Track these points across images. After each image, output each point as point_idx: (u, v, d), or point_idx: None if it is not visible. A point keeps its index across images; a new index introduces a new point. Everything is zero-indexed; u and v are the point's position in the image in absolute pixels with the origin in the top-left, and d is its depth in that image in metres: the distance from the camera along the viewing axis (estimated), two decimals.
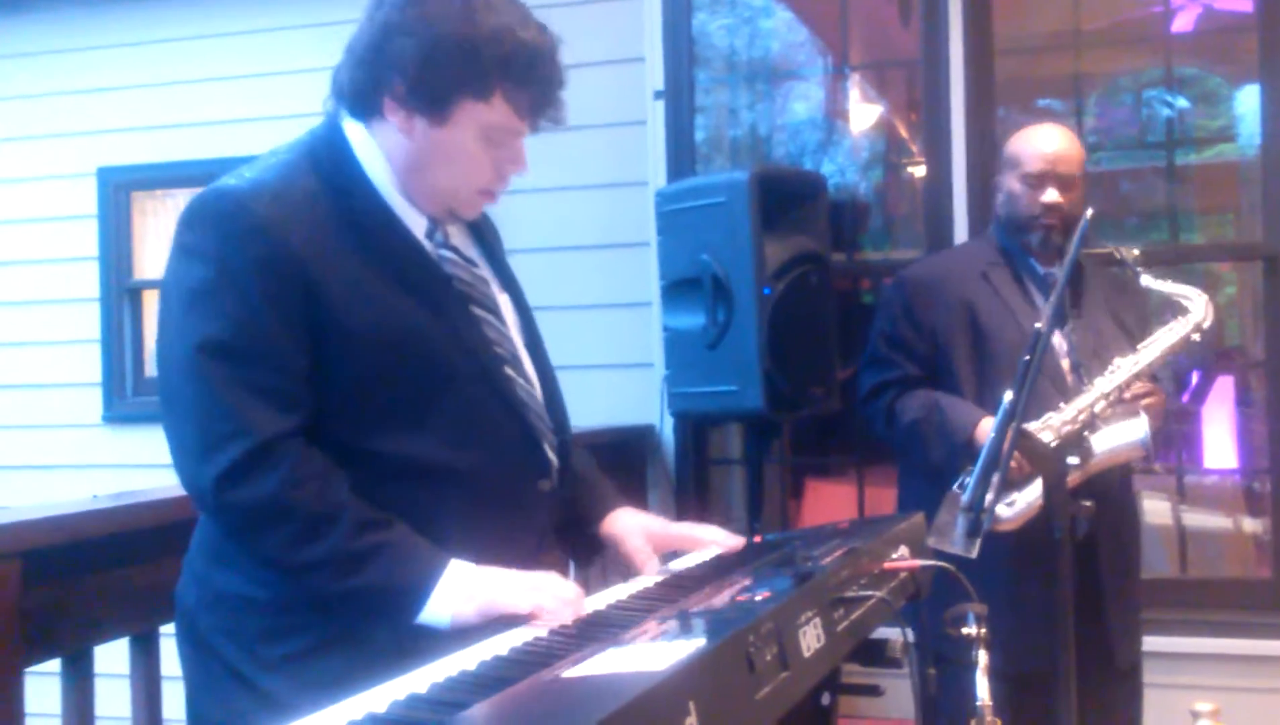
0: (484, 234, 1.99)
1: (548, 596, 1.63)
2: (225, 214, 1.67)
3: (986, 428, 2.83)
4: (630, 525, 2.01)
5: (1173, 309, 2.94)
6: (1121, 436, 2.82)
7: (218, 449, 1.61)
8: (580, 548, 2.07)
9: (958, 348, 3.06)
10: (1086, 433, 2.82)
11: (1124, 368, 2.86)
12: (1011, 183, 3.08)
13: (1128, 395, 2.85)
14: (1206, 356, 6.56)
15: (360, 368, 1.69)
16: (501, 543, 1.79)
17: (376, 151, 1.79)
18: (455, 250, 1.86)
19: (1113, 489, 3.00)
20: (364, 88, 1.77)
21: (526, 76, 1.74)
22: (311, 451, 1.65)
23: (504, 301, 1.93)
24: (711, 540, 2.02)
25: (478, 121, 1.74)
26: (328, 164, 1.77)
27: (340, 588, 1.62)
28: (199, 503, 1.70)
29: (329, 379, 1.68)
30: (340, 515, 1.63)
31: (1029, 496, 2.76)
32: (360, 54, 1.76)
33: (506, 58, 1.71)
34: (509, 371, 1.83)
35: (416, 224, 1.81)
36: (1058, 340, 2.99)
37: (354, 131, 1.81)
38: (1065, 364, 2.98)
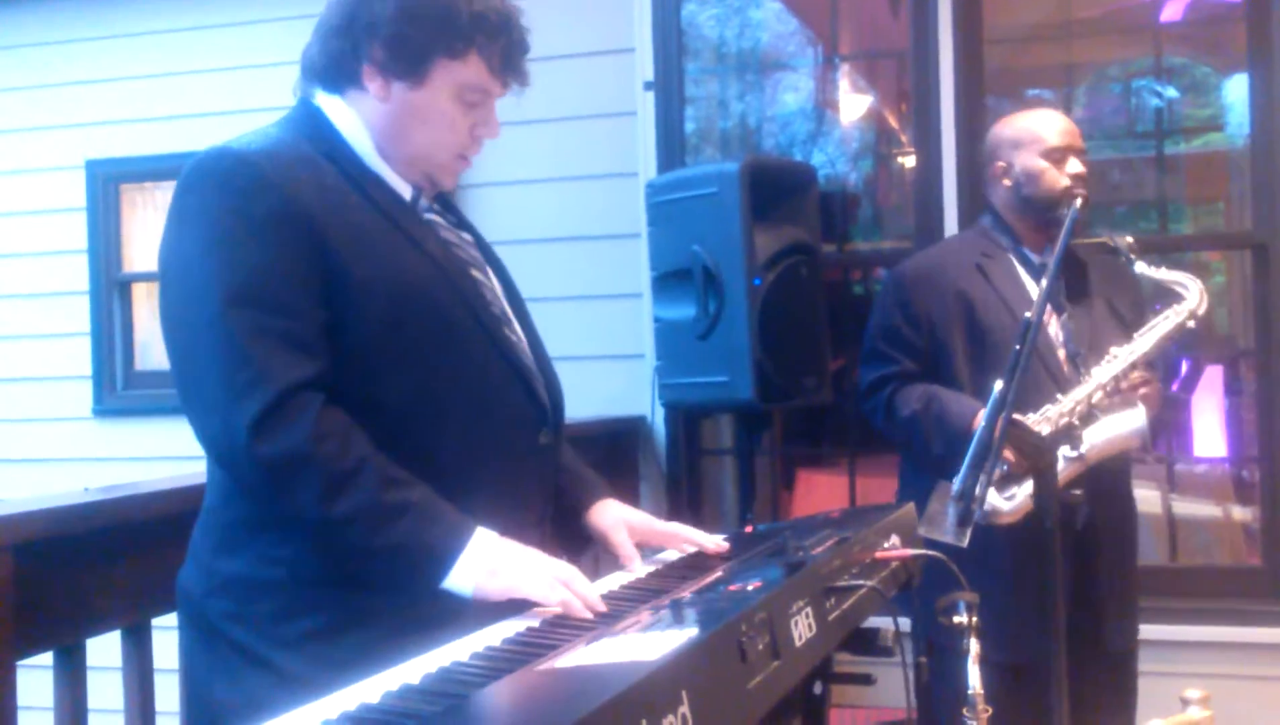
0: (455, 210, 2.03)
1: (572, 593, 1.62)
2: (230, 171, 1.69)
3: None
4: (615, 519, 2.02)
5: (1166, 296, 2.93)
6: (1119, 426, 2.80)
7: (242, 399, 1.60)
8: (570, 539, 2.08)
9: (954, 341, 3.04)
10: (1079, 424, 2.81)
11: (1121, 357, 2.85)
12: (1031, 161, 3.05)
13: (1124, 385, 2.83)
14: (1196, 345, 6.58)
15: (370, 320, 1.70)
16: (511, 496, 1.82)
17: (356, 121, 1.83)
18: (442, 214, 1.91)
19: (1115, 480, 3.01)
20: (340, 57, 1.81)
21: (499, 34, 1.79)
22: (332, 406, 1.65)
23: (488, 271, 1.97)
24: (692, 539, 2.01)
25: (453, 80, 1.79)
26: (312, 136, 1.80)
27: (368, 545, 1.62)
28: (229, 458, 1.66)
29: (340, 332, 1.69)
30: (364, 469, 1.62)
31: (1028, 490, 2.76)
32: (335, 25, 1.81)
33: (481, 15, 1.77)
34: (505, 331, 1.86)
35: (403, 190, 1.85)
36: (1054, 330, 2.99)
37: (330, 105, 1.84)
38: (1061, 354, 2.97)
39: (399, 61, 1.77)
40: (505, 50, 1.81)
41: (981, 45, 4.15)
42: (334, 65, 1.82)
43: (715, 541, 2.01)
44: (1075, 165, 3.01)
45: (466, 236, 1.95)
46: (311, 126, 1.82)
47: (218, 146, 1.72)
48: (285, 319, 1.64)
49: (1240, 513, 4.93)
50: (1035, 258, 3.08)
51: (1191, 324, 2.88)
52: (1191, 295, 2.88)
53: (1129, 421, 2.80)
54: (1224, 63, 5.92)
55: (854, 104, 5.76)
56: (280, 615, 1.68)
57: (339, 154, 1.79)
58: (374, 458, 1.64)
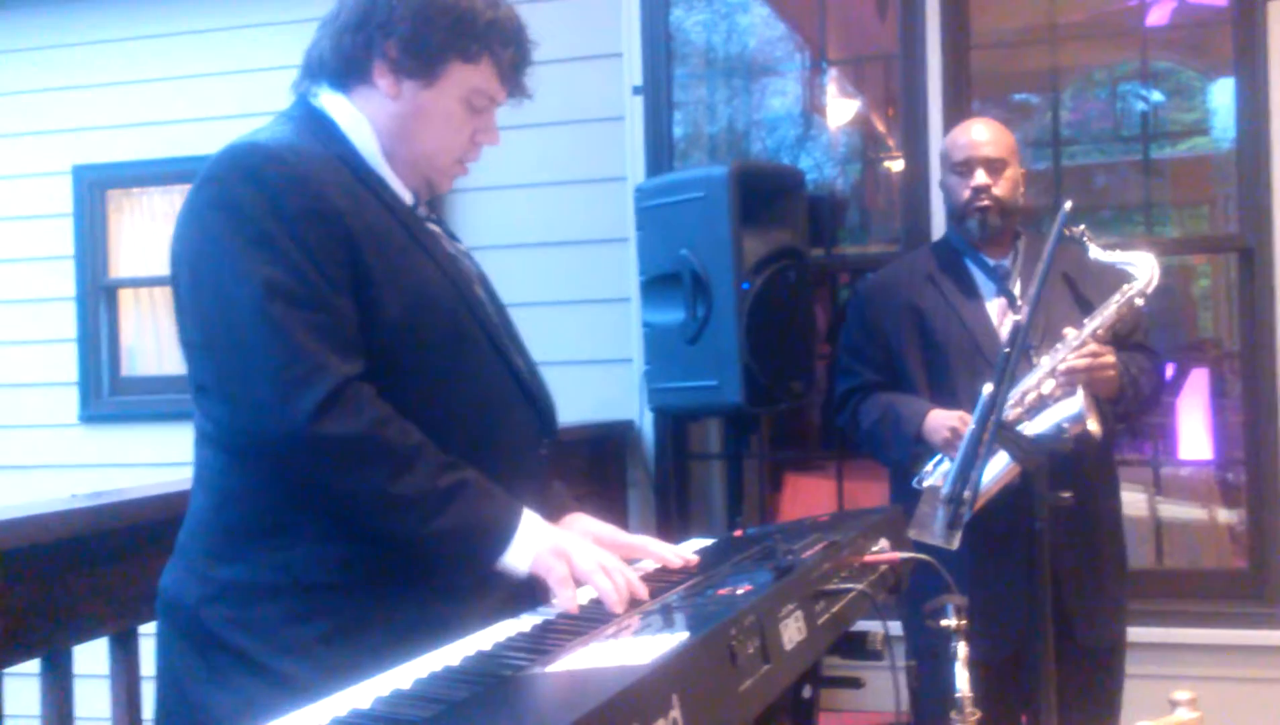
0: (443, 222, 2.02)
1: (618, 576, 1.67)
2: (262, 165, 1.67)
3: (934, 419, 2.93)
4: (581, 533, 1.95)
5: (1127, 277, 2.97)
6: (1057, 415, 2.80)
7: (302, 387, 1.59)
8: None
9: (909, 351, 3.16)
10: (1024, 419, 2.82)
11: (1068, 340, 2.89)
12: (947, 178, 3.22)
13: (1063, 366, 2.85)
14: (1181, 348, 6.61)
15: (388, 324, 1.69)
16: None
17: (362, 121, 1.81)
18: (440, 223, 1.91)
19: (1086, 474, 2.98)
20: (353, 54, 1.80)
21: (511, 42, 1.82)
22: (382, 399, 1.66)
23: None
24: (658, 553, 1.93)
25: (464, 84, 1.80)
26: (321, 137, 1.78)
27: (430, 524, 1.64)
28: (281, 442, 1.61)
29: (360, 332, 1.69)
30: (424, 452, 1.65)
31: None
32: (349, 21, 1.80)
33: (497, 22, 1.80)
34: (507, 343, 1.87)
35: (404, 196, 1.84)
36: (1006, 327, 2.99)
37: (334, 105, 1.82)
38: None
39: (413, 60, 1.77)
40: (515, 59, 1.84)
41: (968, 50, 4.16)
42: (345, 62, 1.81)
43: (681, 555, 1.93)
44: (979, 177, 3.10)
45: (463, 249, 1.95)
46: (317, 127, 1.79)
47: (245, 139, 1.71)
48: (329, 316, 1.64)
49: (1226, 515, 4.95)
50: (990, 261, 3.16)
51: (1140, 302, 2.92)
52: (1141, 273, 2.93)
53: (1066, 409, 2.79)
54: (1210, 67, 5.95)
55: (841, 108, 5.76)
56: (287, 619, 1.66)
57: (346, 156, 1.78)
58: (428, 444, 1.67)
